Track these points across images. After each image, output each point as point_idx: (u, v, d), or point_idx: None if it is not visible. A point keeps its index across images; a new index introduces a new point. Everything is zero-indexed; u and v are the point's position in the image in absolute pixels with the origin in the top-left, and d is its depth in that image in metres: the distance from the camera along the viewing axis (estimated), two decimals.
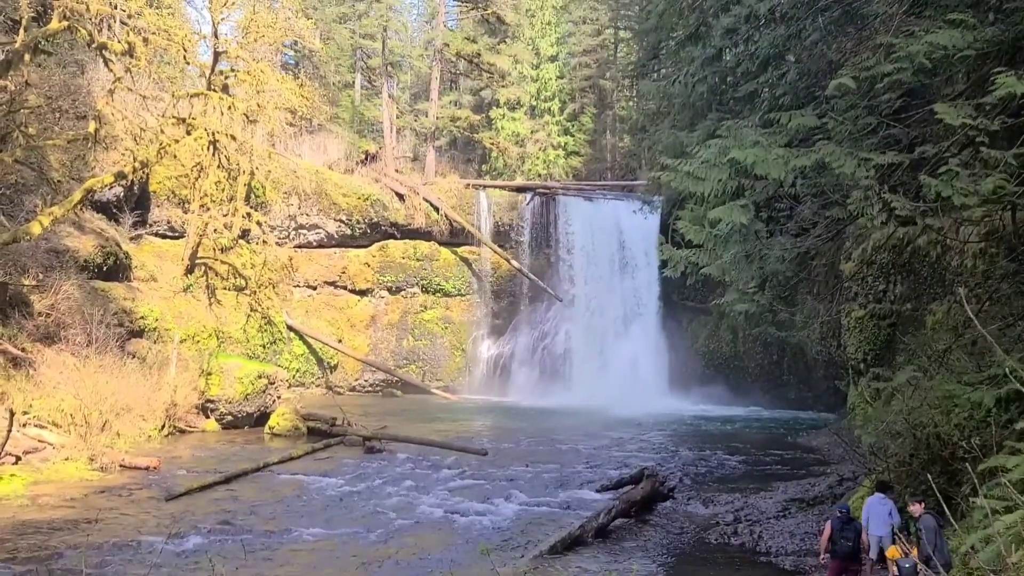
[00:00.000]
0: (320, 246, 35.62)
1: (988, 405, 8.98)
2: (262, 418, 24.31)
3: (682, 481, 18.02)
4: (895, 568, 8.77)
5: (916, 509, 9.30)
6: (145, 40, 23.76)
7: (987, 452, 8.76)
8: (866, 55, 10.06)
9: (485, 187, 39.23)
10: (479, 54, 42.28)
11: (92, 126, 23.08)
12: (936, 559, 8.28)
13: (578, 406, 30.98)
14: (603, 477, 18.13)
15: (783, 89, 13.57)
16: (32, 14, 21.30)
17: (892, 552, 9.13)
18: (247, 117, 28.71)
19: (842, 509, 10.38)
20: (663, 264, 16.52)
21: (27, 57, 21.09)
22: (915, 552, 8.83)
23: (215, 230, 29.14)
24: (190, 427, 23.14)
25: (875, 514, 10.40)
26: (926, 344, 13.98)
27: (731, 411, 31.55)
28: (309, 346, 33.86)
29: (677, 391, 34.19)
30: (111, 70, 23.93)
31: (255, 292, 30.38)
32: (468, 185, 38.84)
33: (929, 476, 9.42)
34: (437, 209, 36.93)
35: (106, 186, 25.86)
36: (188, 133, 27.22)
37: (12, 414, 14.21)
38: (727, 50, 17.30)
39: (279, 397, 25.32)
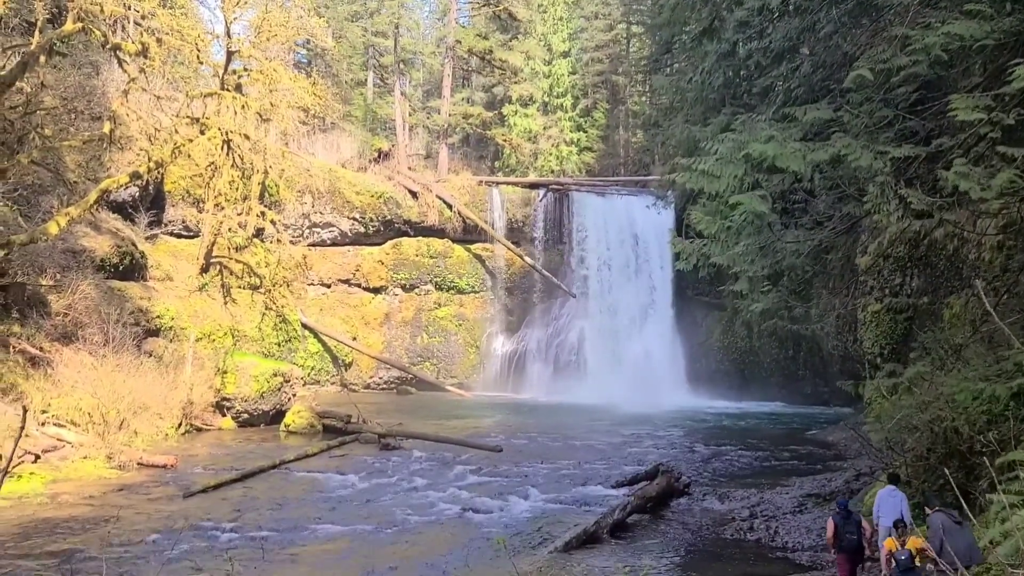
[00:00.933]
0: (334, 244, 35.77)
1: (1004, 399, 8.91)
2: (278, 416, 24.44)
3: (697, 477, 17.98)
4: (892, 560, 8.85)
5: (929, 512, 9.26)
6: (159, 40, 23.90)
7: (1005, 446, 8.70)
8: (882, 47, 9.99)
9: (498, 184, 39.26)
10: (491, 51, 42.25)
11: (107, 127, 23.25)
12: (943, 558, 8.17)
13: (592, 402, 30.95)
14: (618, 473, 18.11)
15: (797, 82, 13.49)
16: (47, 16, 21.47)
17: (889, 544, 9.23)
18: (260, 116, 28.85)
19: (841, 504, 10.56)
20: (677, 257, 16.48)
21: (42, 59, 21.26)
22: (912, 542, 8.86)
23: (230, 229, 29.34)
24: (206, 425, 23.29)
25: (885, 506, 10.54)
26: (943, 338, 13.89)
27: (746, 406, 31.46)
28: (324, 344, 34.00)
29: (692, 387, 34.12)
30: (125, 71, 24.09)
31: (270, 290, 30.55)
32: (481, 182, 38.88)
33: (947, 470, 9.36)
34: (450, 206, 36.99)
35: (121, 186, 26.05)
36: (202, 133, 27.37)
37: (25, 411, 14.38)
38: (741, 44, 17.20)
39: (294, 395, 25.44)
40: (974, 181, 7.71)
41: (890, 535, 9.80)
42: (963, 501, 7.91)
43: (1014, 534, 6.91)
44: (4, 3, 20.57)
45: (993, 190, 7.63)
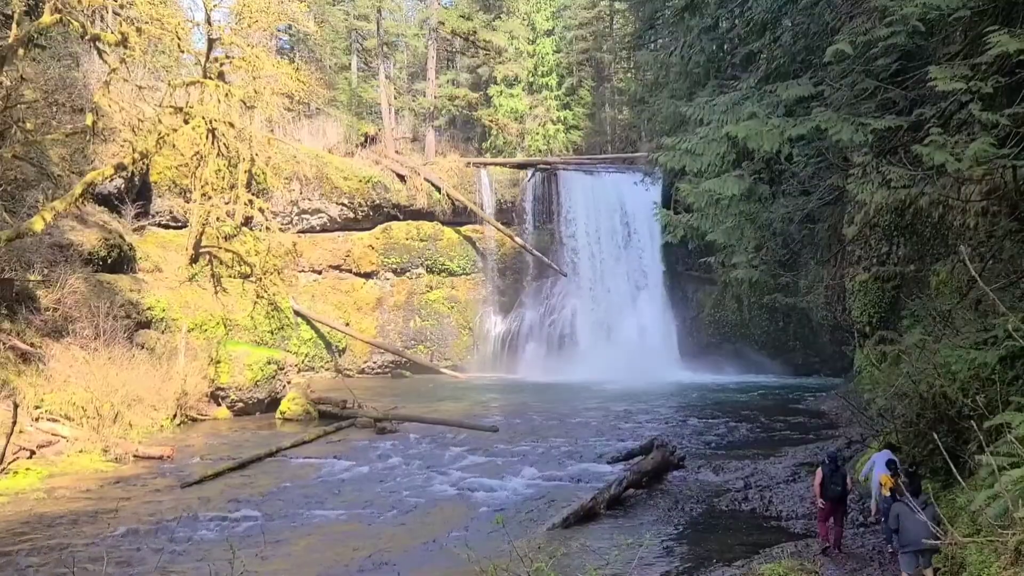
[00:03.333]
0: (323, 230, 35.67)
1: (992, 365, 9.01)
2: (273, 404, 24.49)
3: (692, 450, 18.13)
4: (887, 492, 9.77)
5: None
6: (138, 30, 23.68)
7: (993, 410, 8.79)
8: (861, 19, 9.99)
9: (486, 165, 39.19)
10: (475, 31, 42.02)
11: (90, 118, 23.08)
12: (901, 539, 8.98)
13: (586, 380, 31.10)
14: (613, 449, 18.25)
15: (779, 52, 13.48)
16: (24, 8, 21.24)
17: (885, 480, 9.74)
18: (244, 103, 28.66)
19: (830, 456, 11.33)
20: (665, 230, 16.51)
21: (21, 52, 21.06)
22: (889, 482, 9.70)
23: (217, 218, 29.21)
24: (201, 415, 23.32)
25: (879, 463, 11.17)
26: (931, 305, 14.00)
27: (739, 379, 31.69)
28: (317, 330, 34.01)
29: (685, 361, 34.32)
30: (106, 61, 23.88)
31: (260, 279, 30.48)
32: (469, 164, 38.79)
33: (936, 435, 9.49)
34: (439, 189, 36.92)
35: (107, 178, 25.90)
36: (186, 122, 27.19)
37: (16, 406, 14.37)
38: (723, 18, 17.18)
39: (289, 382, 25.48)
40: (948, 152, 7.76)
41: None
42: (952, 465, 8.03)
43: (1003, 495, 7.02)
44: None
45: (966, 160, 7.69)
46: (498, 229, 37.14)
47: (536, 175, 38.42)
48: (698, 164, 11.18)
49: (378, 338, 35.72)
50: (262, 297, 30.83)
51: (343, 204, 35.44)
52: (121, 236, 27.48)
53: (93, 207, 27.50)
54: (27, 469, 16.32)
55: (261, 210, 30.35)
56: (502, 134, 44.26)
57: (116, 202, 29.11)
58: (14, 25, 20.68)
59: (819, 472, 11.24)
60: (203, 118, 27.26)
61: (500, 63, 44.03)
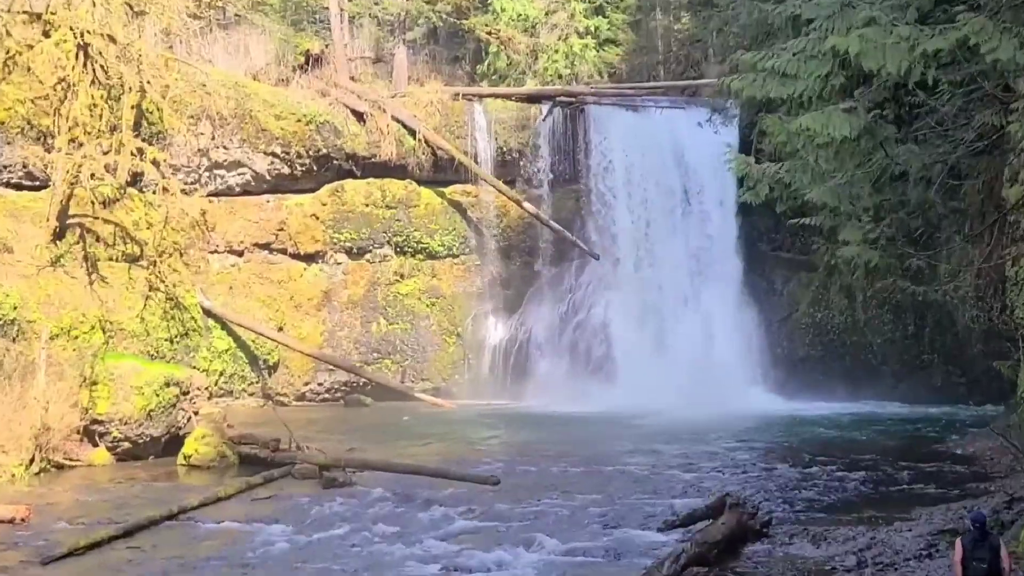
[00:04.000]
0: (246, 192, 35.63)
1: None
2: (173, 443, 24.55)
3: (781, 511, 18.14)
4: None
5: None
6: None
7: None
8: None
9: (482, 97, 39.12)
10: None
11: None
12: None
13: (627, 410, 31.08)
14: (666, 510, 18.25)
15: None
16: None
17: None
18: (130, 7, 28.60)
19: (977, 520, 11.10)
20: (741, 183, 16.34)
21: None
22: None
23: (92, 175, 29.16)
24: (71, 460, 23.36)
25: None
26: None
27: (849, 407, 31.72)
28: (236, 338, 34.03)
29: (770, 382, 34.32)
30: None
31: (155, 262, 30.50)
32: (457, 95, 38.72)
33: None
34: (413, 132, 36.84)
35: None
36: (47, 35, 27.15)
37: None
38: None
39: (196, 413, 25.52)
40: None
41: None
42: None
43: None
44: None
45: None
46: (499, 191, 37.05)
47: (555, 112, 38.35)
48: (791, 91, 11.13)
49: (325, 349, 35.76)
50: (157, 289, 30.86)
51: (274, 154, 35.39)
52: None
53: None
54: None
55: (155, 163, 30.33)
56: (505, 52, 44.15)
57: None
58: None
59: (958, 544, 11.09)
60: (71, 29, 27.20)
61: None
